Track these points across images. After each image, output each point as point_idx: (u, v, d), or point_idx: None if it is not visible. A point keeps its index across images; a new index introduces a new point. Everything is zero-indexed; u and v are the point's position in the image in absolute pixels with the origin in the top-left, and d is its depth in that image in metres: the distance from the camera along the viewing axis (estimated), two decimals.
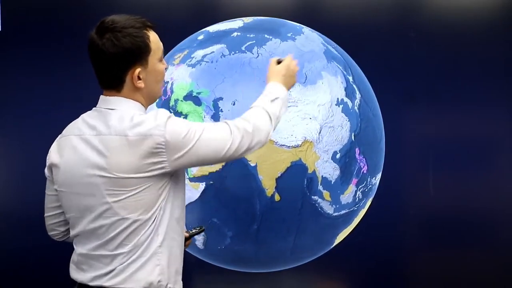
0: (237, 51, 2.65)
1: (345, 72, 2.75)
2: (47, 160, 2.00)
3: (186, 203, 2.52)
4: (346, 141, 2.65)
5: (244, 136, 1.93)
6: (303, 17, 3.26)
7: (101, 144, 1.86)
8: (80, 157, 1.89)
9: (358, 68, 2.96)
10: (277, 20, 2.98)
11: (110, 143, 1.85)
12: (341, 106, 2.66)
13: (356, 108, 2.73)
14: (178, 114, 2.59)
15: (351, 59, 2.95)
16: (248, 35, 2.72)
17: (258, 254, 2.75)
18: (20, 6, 3.56)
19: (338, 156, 2.62)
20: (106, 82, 1.93)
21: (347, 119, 2.67)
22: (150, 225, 1.88)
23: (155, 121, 1.85)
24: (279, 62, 2.18)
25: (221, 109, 2.54)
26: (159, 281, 1.90)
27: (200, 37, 2.84)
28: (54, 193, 2.02)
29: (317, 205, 2.63)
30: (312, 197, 2.60)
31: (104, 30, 1.87)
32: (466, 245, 3.67)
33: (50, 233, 2.12)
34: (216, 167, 2.55)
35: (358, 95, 2.76)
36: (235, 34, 2.75)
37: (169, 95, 2.66)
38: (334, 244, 2.94)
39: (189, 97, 2.61)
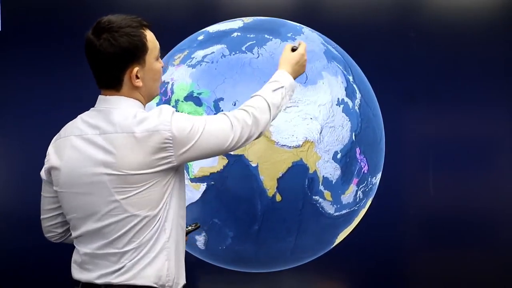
0: (237, 52, 2.65)
1: (345, 72, 2.75)
2: (45, 163, 2.00)
3: (187, 203, 2.52)
4: (347, 141, 2.65)
5: (244, 127, 1.96)
6: (303, 17, 3.25)
7: (107, 142, 1.86)
8: (84, 157, 1.89)
9: (358, 68, 2.96)
10: (277, 20, 2.97)
11: (117, 140, 1.85)
12: (341, 106, 2.66)
13: (356, 108, 2.73)
14: None
15: (351, 59, 2.95)
16: (248, 35, 2.72)
17: (259, 254, 2.74)
18: (20, 6, 3.56)
19: (339, 156, 2.62)
20: (104, 82, 1.94)
21: (348, 119, 2.67)
22: (158, 221, 1.90)
23: (160, 117, 1.86)
24: (293, 49, 2.22)
25: (222, 110, 2.53)
26: (167, 276, 1.92)
27: (200, 37, 2.83)
28: (52, 195, 2.02)
29: (318, 205, 2.63)
30: (313, 197, 2.60)
31: (101, 30, 1.88)
32: (466, 245, 3.67)
33: (47, 235, 2.12)
34: (217, 167, 2.55)
35: (358, 95, 2.76)
36: (235, 34, 2.75)
37: (169, 96, 2.66)
38: (335, 244, 2.94)
39: (189, 97, 2.61)
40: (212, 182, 2.58)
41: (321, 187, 2.60)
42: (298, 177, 2.56)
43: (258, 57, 2.63)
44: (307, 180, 2.58)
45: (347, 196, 2.72)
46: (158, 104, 2.64)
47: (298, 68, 2.20)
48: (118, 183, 1.85)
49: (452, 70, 3.63)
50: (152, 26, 1.96)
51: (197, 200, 2.61)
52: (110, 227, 1.88)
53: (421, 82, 3.62)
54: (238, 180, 2.57)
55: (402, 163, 3.59)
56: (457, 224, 3.63)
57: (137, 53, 1.90)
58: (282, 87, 2.09)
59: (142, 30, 1.91)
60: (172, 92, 2.65)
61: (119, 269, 1.89)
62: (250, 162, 2.54)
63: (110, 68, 1.90)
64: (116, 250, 1.89)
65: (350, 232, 2.95)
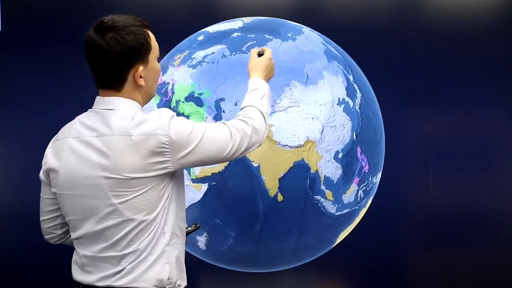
0: (237, 52, 2.65)
1: (345, 72, 2.76)
2: (43, 165, 1.99)
3: (189, 204, 2.52)
4: (348, 141, 2.65)
5: (243, 137, 1.96)
6: (303, 17, 3.25)
7: (104, 145, 1.85)
8: (82, 159, 1.88)
9: (358, 68, 2.96)
10: (277, 20, 2.98)
11: (113, 143, 1.84)
12: (342, 105, 2.66)
13: (357, 107, 2.73)
14: (179, 115, 2.58)
15: (351, 59, 2.95)
16: (248, 36, 2.72)
17: (260, 254, 2.75)
18: (20, 6, 3.55)
19: (340, 155, 2.63)
20: (105, 82, 1.92)
21: (349, 119, 2.67)
22: (156, 225, 1.89)
23: (159, 120, 1.85)
24: (259, 54, 2.23)
25: (223, 110, 2.54)
26: (168, 278, 1.91)
27: (200, 38, 2.83)
28: (51, 197, 2.02)
29: (319, 204, 2.63)
30: (315, 196, 2.61)
31: (105, 29, 1.87)
32: (466, 245, 3.67)
33: (46, 237, 2.11)
34: (219, 168, 2.55)
35: (359, 95, 2.77)
36: (235, 34, 2.75)
37: (170, 97, 2.65)
38: (335, 244, 2.94)
39: (190, 98, 2.61)
40: (214, 183, 2.58)
41: (323, 187, 2.61)
42: (299, 177, 2.57)
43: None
44: (308, 180, 2.58)
45: (348, 196, 2.72)
46: (159, 105, 2.64)
47: (268, 73, 2.21)
48: (115, 186, 1.84)
49: (452, 70, 3.63)
50: (152, 26, 1.96)
51: (198, 201, 2.61)
52: (109, 230, 1.88)
53: (421, 82, 3.61)
54: (239, 180, 2.57)
55: (402, 163, 3.59)
56: (457, 224, 3.63)
57: (142, 51, 1.90)
58: (264, 94, 2.10)
59: (145, 30, 1.92)
60: (173, 93, 2.65)
61: (120, 271, 1.88)
62: (252, 162, 2.54)
63: (115, 67, 1.89)
64: (116, 253, 1.88)
65: (350, 232, 2.95)
